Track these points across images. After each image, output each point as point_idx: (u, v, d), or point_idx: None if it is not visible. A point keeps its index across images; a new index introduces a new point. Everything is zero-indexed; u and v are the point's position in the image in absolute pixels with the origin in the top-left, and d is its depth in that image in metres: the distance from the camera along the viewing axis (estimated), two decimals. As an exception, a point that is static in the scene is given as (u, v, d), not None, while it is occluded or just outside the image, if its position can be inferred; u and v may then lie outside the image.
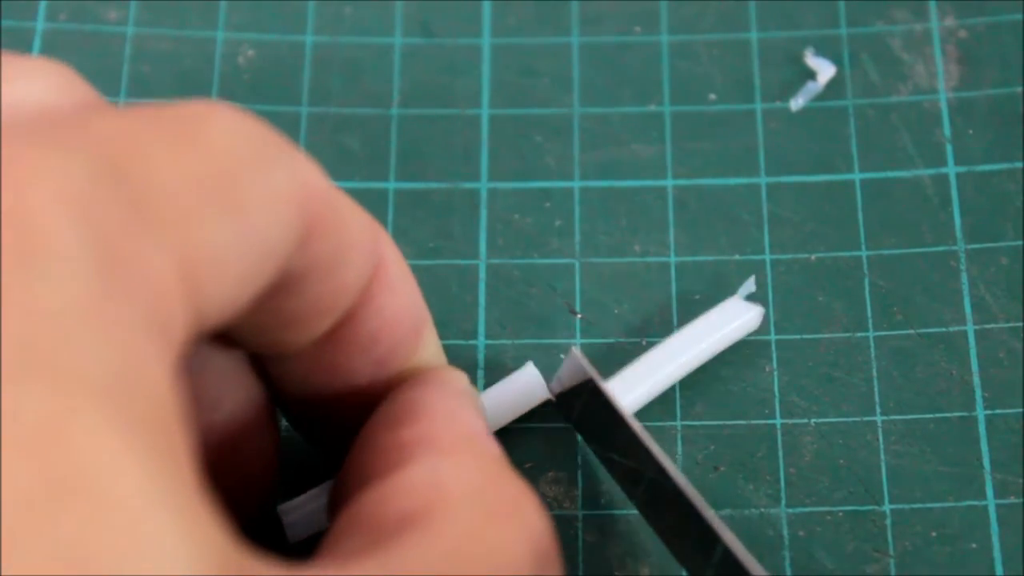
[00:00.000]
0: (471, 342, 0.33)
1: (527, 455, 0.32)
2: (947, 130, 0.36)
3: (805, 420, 0.32)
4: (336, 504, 0.24)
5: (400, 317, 0.25)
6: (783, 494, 0.31)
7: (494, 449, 0.25)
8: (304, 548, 0.29)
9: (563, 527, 0.31)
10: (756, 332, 0.33)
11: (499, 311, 0.34)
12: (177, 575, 0.16)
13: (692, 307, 0.33)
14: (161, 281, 0.18)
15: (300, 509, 0.29)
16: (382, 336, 0.25)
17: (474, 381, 0.33)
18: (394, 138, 0.36)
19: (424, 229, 0.35)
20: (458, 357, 0.33)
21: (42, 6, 0.38)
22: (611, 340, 0.33)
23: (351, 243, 0.23)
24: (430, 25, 0.38)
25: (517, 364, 0.33)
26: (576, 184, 0.35)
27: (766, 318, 0.33)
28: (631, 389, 0.31)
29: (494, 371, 0.33)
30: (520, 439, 0.32)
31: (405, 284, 0.25)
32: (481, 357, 0.33)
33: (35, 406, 0.16)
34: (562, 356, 0.33)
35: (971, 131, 0.35)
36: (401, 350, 0.26)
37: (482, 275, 0.34)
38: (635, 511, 0.31)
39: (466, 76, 0.37)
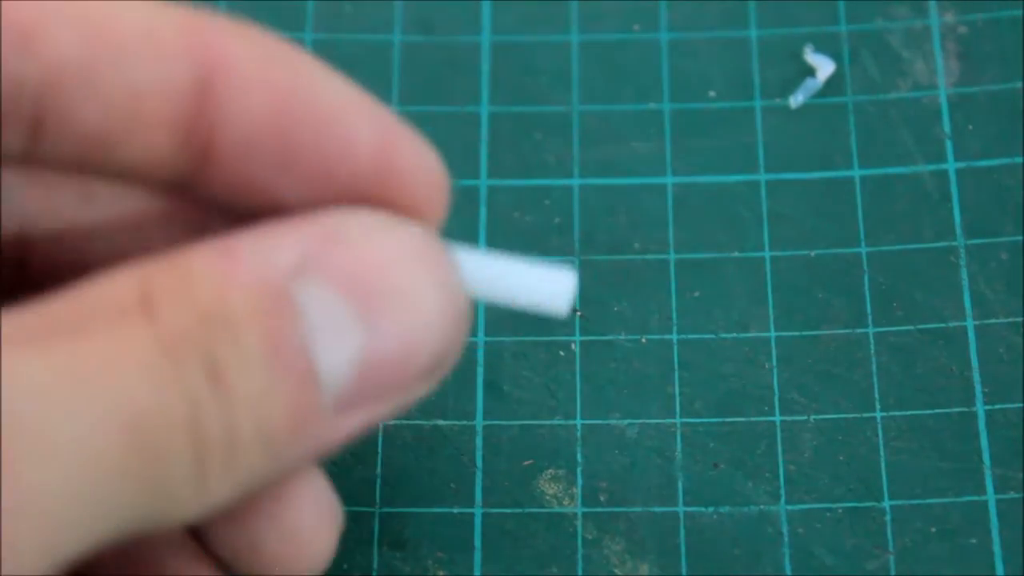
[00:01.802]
0: (471, 339, 0.33)
1: (526, 453, 0.32)
2: (947, 126, 0.35)
3: (804, 417, 0.32)
4: None
5: (260, 121, 0.22)
6: (783, 491, 0.31)
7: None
8: None
9: (562, 525, 0.31)
10: (757, 329, 0.33)
11: (498, 309, 0.34)
12: None
13: (692, 305, 0.33)
14: None
15: None
16: (245, 150, 0.22)
17: (474, 380, 0.33)
18: (393, 135, 0.36)
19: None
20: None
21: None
22: (610, 337, 0.33)
23: (118, 42, 0.21)
24: (430, 22, 0.38)
25: (517, 362, 0.33)
26: (575, 182, 0.35)
27: (764, 315, 0.33)
28: None
29: (494, 369, 0.33)
30: (520, 437, 0.32)
31: (268, 84, 0.22)
32: (481, 354, 0.33)
33: None
34: (561, 353, 0.33)
35: (971, 127, 0.35)
36: (278, 155, 0.23)
37: (481, 272, 0.34)
38: (635, 508, 0.31)
39: (466, 73, 0.37)
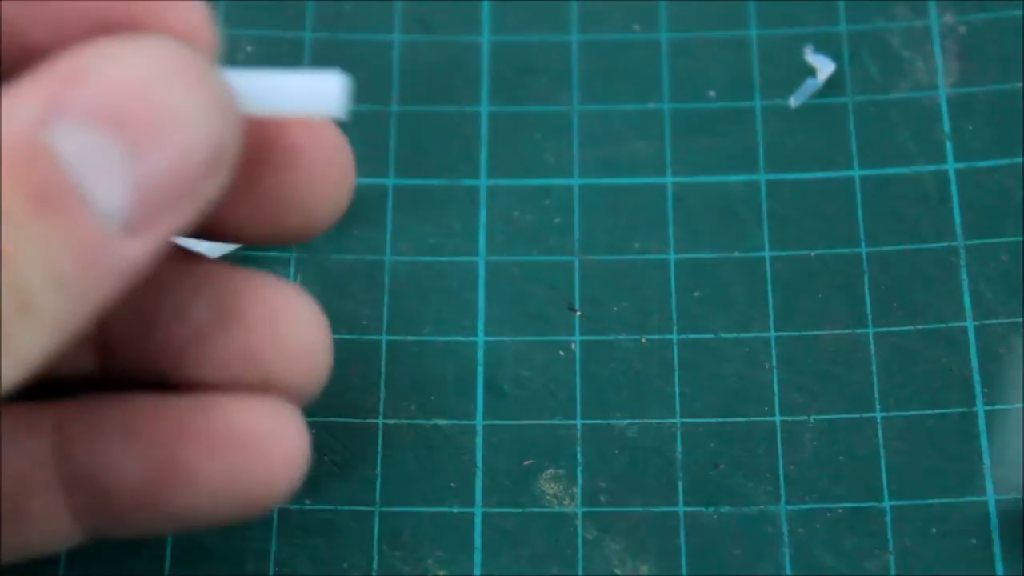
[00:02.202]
0: (471, 339, 0.33)
1: (526, 453, 0.32)
2: (947, 126, 0.35)
3: (805, 417, 0.32)
4: None
5: None
6: (783, 491, 0.31)
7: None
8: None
9: (562, 524, 0.31)
10: (757, 329, 0.33)
11: (498, 308, 0.34)
12: None
13: (691, 305, 0.33)
14: None
15: None
16: None
17: (473, 378, 0.33)
18: (393, 135, 0.36)
19: (424, 226, 0.35)
20: (458, 354, 0.33)
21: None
22: (610, 337, 0.33)
23: None
24: (429, 22, 0.38)
25: (517, 361, 0.33)
26: (575, 181, 0.35)
27: (764, 315, 0.33)
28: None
29: (494, 368, 0.33)
30: (520, 437, 0.32)
31: None
32: (481, 354, 0.33)
33: None
34: (561, 353, 0.33)
35: (971, 127, 0.35)
36: None
37: (481, 272, 0.34)
38: (635, 508, 0.31)
39: (466, 73, 0.37)
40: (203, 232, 0.26)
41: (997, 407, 0.32)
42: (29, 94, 0.21)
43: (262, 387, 0.26)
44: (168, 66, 0.22)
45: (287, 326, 0.26)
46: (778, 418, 0.32)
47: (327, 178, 0.26)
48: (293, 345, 0.26)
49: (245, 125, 0.23)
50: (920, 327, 0.33)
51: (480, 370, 0.33)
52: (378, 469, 0.32)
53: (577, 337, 0.33)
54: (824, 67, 0.36)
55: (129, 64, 0.22)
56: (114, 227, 0.21)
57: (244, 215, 0.26)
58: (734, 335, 0.33)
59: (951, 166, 0.35)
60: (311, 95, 0.23)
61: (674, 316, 0.33)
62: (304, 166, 0.25)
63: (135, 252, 0.22)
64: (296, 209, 0.26)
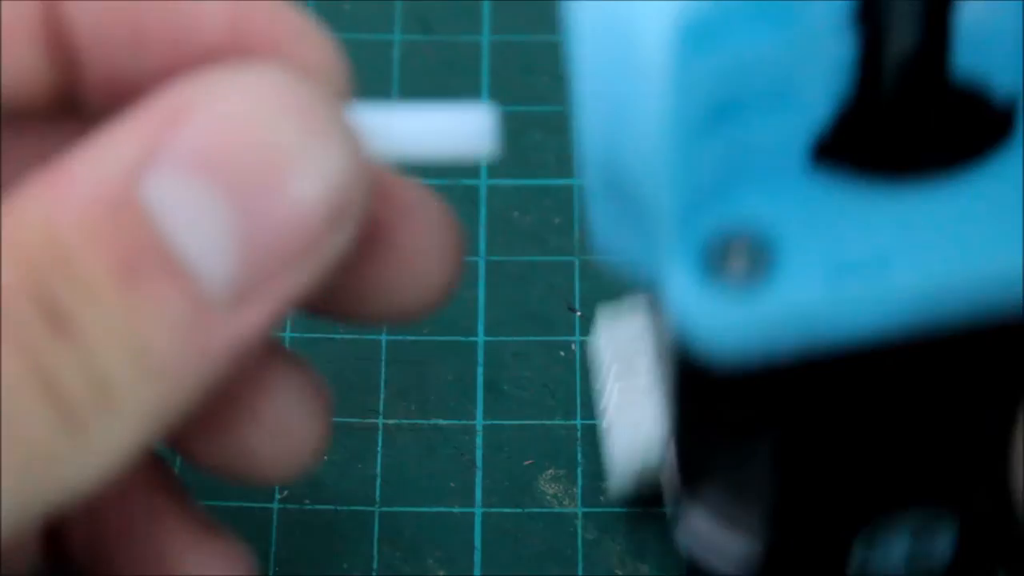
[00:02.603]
0: (471, 339, 0.33)
1: (526, 453, 0.32)
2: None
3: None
4: None
5: (107, 8, 0.20)
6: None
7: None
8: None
9: (562, 524, 0.31)
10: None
11: (498, 308, 0.34)
12: None
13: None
14: None
15: None
16: (104, 44, 0.21)
17: (473, 378, 0.33)
18: (393, 135, 0.36)
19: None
20: (457, 354, 0.33)
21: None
22: (611, 337, 0.33)
23: None
24: (429, 21, 0.38)
25: (517, 362, 0.33)
26: (575, 181, 0.35)
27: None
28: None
29: (494, 368, 0.33)
30: (520, 437, 0.32)
31: None
32: (481, 354, 0.33)
33: None
34: (561, 353, 0.33)
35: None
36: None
37: (481, 272, 0.34)
38: (636, 508, 0.31)
39: (465, 73, 0.37)
40: None
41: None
42: (119, 140, 0.18)
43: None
44: (284, 103, 0.19)
45: (290, 434, 0.23)
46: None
47: (428, 262, 0.22)
48: (289, 448, 0.23)
49: (375, 172, 0.20)
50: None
51: (480, 370, 0.33)
52: (378, 469, 0.32)
53: (577, 337, 0.33)
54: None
55: (238, 102, 0.19)
56: (217, 298, 0.18)
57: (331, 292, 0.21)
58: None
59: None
60: (454, 133, 0.21)
61: (674, 316, 0.33)
62: (406, 245, 0.22)
63: (242, 327, 0.19)
64: (387, 293, 0.22)
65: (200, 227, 0.18)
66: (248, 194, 0.18)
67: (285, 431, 0.22)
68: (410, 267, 0.22)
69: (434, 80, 0.37)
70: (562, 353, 0.33)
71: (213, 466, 0.23)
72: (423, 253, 0.22)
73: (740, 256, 0.19)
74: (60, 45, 0.20)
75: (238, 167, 0.18)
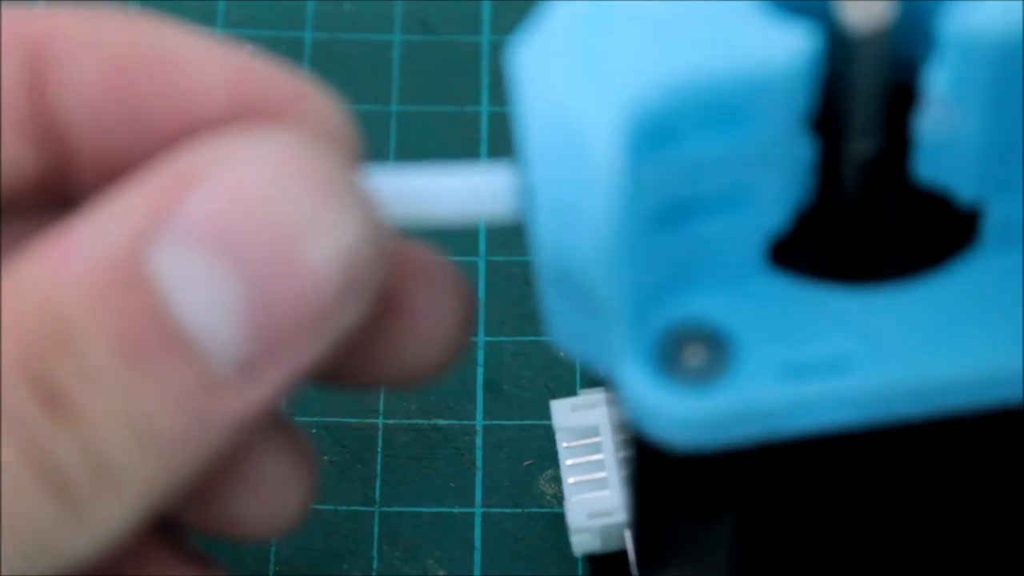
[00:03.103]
0: (471, 339, 0.33)
1: (526, 453, 0.32)
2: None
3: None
4: None
5: (98, 83, 0.19)
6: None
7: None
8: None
9: (562, 524, 0.31)
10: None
11: (499, 308, 0.34)
12: None
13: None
14: None
15: None
16: (95, 122, 0.20)
17: (473, 378, 0.33)
18: (393, 135, 0.36)
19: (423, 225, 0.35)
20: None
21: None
22: (611, 337, 0.33)
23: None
24: (429, 22, 0.38)
25: (517, 362, 0.33)
26: (575, 181, 0.35)
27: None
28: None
29: (494, 368, 0.33)
30: (520, 437, 0.32)
31: (97, 45, 0.20)
32: (481, 354, 0.33)
33: None
34: (561, 353, 0.33)
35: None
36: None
37: (481, 272, 0.34)
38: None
39: (465, 73, 0.37)
40: None
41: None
42: (123, 207, 0.18)
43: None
44: (295, 170, 0.18)
45: (276, 496, 0.22)
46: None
47: (440, 327, 0.21)
48: (276, 509, 0.22)
49: (390, 237, 0.19)
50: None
51: (480, 370, 0.33)
52: (378, 469, 0.32)
53: (577, 337, 0.33)
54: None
55: (248, 168, 0.18)
56: (226, 375, 0.18)
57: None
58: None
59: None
60: (473, 196, 0.20)
61: (674, 316, 0.33)
62: (417, 310, 0.21)
63: (247, 401, 0.18)
64: (396, 358, 0.21)
65: (209, 300, 0.17)
66: (260, 265, 0.18)
67: (271, 493, 0.22)
68: (421, 332, 0.21)
69: (434, 80, 0.37)
70: (562, 353, 0.33)
71: (197, 527, 0.22)
72: (435, 318, 0.21)
73: (695, 352, 0.18)
74: (48, 131, 0.20)
75: (249, 237, 0.17)
